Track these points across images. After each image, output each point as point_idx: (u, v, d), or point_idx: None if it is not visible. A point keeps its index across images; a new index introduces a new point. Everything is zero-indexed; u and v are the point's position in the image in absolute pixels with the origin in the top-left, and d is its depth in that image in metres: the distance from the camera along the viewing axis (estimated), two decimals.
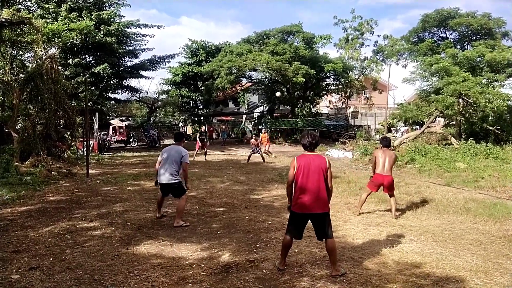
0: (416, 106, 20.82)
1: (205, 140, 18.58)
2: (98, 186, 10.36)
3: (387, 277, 4.33)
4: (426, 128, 19.44)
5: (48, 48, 14.69)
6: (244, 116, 37.26)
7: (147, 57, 35.63)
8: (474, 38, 23.58)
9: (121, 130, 26.66)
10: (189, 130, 34.31)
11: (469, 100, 16.67)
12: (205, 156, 17.61)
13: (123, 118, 31.72)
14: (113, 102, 30.38)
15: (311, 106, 33.50)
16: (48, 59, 13.23)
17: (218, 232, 6.09)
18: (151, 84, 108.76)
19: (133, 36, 24.57)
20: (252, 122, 35.78)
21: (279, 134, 30.87)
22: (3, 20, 12.18)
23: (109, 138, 23.76)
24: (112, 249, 5.18)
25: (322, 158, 4.50)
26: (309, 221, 4.45)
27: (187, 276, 4.31)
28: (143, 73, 27.29)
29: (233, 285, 4.10)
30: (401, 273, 4.44)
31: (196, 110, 36.12)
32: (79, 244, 5.37)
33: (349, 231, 6.20)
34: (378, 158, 7.16)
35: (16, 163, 11.59)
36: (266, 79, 30.96)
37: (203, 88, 32.28)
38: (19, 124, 14.10)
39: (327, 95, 35.25)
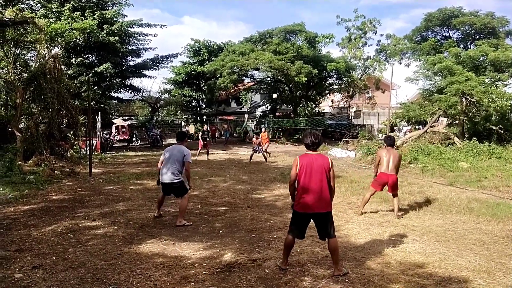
0: (419, 105, 20.75)
1: (208, 139, 18.57)
2: (101, 185, 10.39)
3: (390, 277, 4.33)
4: (429, 128, 19.38)
5: (51, 48, 14.73)
6: (246, 116, 37.25)
7: (150, 56, 35.68)
8: (477, 37, 23.52)
9: (124, 129, 26.70)
10: (191, 129, 34.33)
11: (472, 100, 16.61)
12: (207, 156, 17.63)
13: (126, 118, 31.73)
14: (116, 101, 30.45)
15: (314, 106, 33.45)
16: (51, 59, 13.27)
17: (221, 232, 6.09)
18: (154, 83, 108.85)
19: (135, 35, 24.58)
20: (255, 122, 35.76)
21: (281, 134, 30.86)
22: (6, 19, 12.22)
23: (111, 137, 23.81)
24: (114, 248, 5.19)
25: (325, 157, 4.49)
26: (312, 220, 4.45)
27: (189, 275, 4.32)
28: (146, 72, 27.30)
29: (235, 284, 4.11)
30: (404, 273, 4.44)
31: (198, 109, 36.14)
32: (82, 243, 5.39)
33: (352, 230, 6.19)
34: (383, 157, 7.13)
35: (19, 162, 11.63)
36: (269, 79, 30.92)
37: (205, 87, 32.30)
38: (22, 123, 14.14)
39: (330, 95, 35.18)
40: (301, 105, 31.55)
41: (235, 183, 10.99)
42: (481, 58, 19.68)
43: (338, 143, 24.27)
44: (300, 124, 29.09)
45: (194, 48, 32.32)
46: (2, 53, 13.47)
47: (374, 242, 5.60)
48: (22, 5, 18.43)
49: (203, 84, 33.12)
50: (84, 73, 21.58)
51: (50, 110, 13.04)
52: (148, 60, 26.91)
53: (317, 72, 26.08)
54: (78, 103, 19.56)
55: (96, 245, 5.31)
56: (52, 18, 20.64)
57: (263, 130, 17.73)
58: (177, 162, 6.43)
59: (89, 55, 23.70)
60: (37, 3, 21.33)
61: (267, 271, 4.46)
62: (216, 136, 32.81)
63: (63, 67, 17.57)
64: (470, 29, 23.47)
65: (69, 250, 5.11)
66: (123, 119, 29.16)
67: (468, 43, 24.41)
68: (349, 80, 29.70)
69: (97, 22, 21.11)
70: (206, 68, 29.04)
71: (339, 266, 4.37)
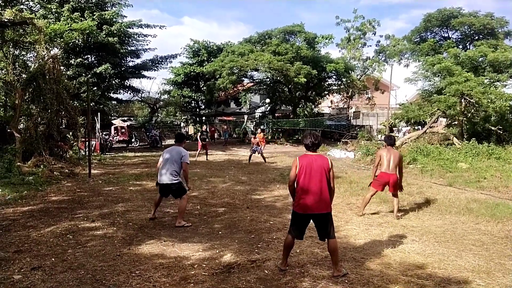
0: (418, 106, 20.77)
1: (207, 139, 18.53)
2: (100, 186, 10.38)
3: (389, 277, 4.33)
4: (428, 128, 19.39)
5: (50, 48, 14.74)
6: (245, 116, 37.28)
7: (149, 57, 35.62)
8: (476, 38, 23.57)
9: (123, 130, 26.68)
10: (190, 130, 34.33)
11: (471, 100, 16.62)
12: (207, 156, 17.61)
13: (125, 118, 31.70)
14: (115, 102, 30.45)
15: (313, 106, 33.44)
16: (50, 59, 13.27)
17: (220, 232, 6.09)
18: (153, 84, 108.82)
19: (135, 36, 24.57)
20: (254, 122, 35.77)
21: (280, 134, 30.88)
22: (6, 20, 12.22)
23: (111, 138, 23.77)
24: (114, 249, 5.19)
25: (325, 158, 4.49)
26: (311, 221, 4.45)
27: (188, 276, 4.31)
28: (145, 73, 27.33)
29: (234, 285, 4.10)
30: (403, 274, 4.44)
31: (198, 110, 36.15)
32: (81, 244, 5.38)
33: (351, 231, 6.19)
34: (383, 157, 7.12)
35: (18, 163, 11.63)
36: (268, 79, 30.94)
37: (205, 88, 32.30)
38: (21, 124, 14.13)
39: (329, 95, 35.22)
40: (300, 106, 31.55)
41: (234, 184, 10.98)
42: (480, 59, 19.71)
43: (337, 143, 24.29)
44: (300, 125, 29.10)
45: (193, 49, 32.34)
46: (1, 53, 13.46)
47: (374, 243, 5.60)
48: (21, 6, 18.44)
49: (203, 84, 33.14)
50: (83, 74, 21.57)
51: (49, 111, 13.04)
52: (148, 61, 26.92)
53: (317, 72, 26.10)
54: (77, 104, 19.56)
55: (95, 246, 5.30)
56: (51, 18, 20.64)
57: (258, 131, 17.65)
58: (175, 163, 6.45)
59: (88, 56, 23.70)
60: (36, 3, 21.34)
61: (266, 272, 4.46)
62: (216, 136, 32.80)
63: (62, 68, 17.56)
64: (469, 29, 23.52)
65: (68, 251, 5.11)
66: (122, 120, 29.14)
67: (467, 44, 24.45)
68: (348, 81, 29.73)
69: (96, 22, 21.12)
70: (205, 68, 29.05)
71: (338, 267, 4.37)
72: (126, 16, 24.27)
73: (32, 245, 5.33)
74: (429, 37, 25.41)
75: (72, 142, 16.03)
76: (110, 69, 21.77)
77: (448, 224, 6.71)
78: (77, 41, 20.84)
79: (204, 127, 21.02)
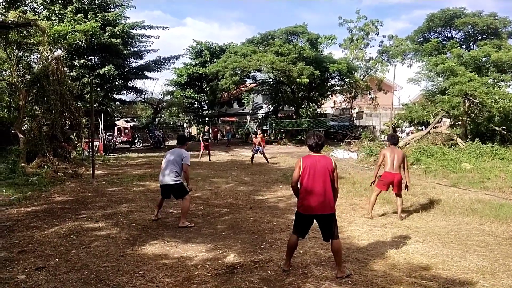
0: (421, 106, 20.70)
1: (209, 140, 18.51)
2: (103, 186, 10.41)
3: (393, 278, 4.31)
4: (431, 129, 19.33)
5: (54, 50, 14.82)
6: (248, 117, 37.31)
7: (152, 58, 35.86)
8: (480, 38, 23.45)
9: (126, 131, 26.75)
10: (193, 131, 34.35)
11: (475, 101, 16.55)
12: (209, 157, 17.60)
13: (128, 119, 31.78)
14: (118, 103, 30.53)
15: (316, 107, 33.46)
16: (54, 61, 13.32)
17: (223, 233, 6.09)
18: (156, 85, 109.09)
19: (138, 37, 24.67)
20: (256, 123, 35.78)
21: (283, 135, 30.86)
22: (10, 22, 12.28)
23: (114, 139, 23.84)
24: (117, 250, 5.20)
25: (328, 159, 4.48)
26: (315, 221, 4.44)
27: (192, 276, 4.32)
28: (148, 74, 27.41)
29: (237, 286, 4.10)
30: (407, 275, 4.42)
31: (200, 111, 36.18)
32: (84, 245, 5.40)
33: (354, 232, 6.18)
34: (387, 156, 7.08)
35: (22, 164, 11.68)
36: (271, 80, 30.94)
37: (207, 89, 32.33)
38: (25, 125, 14.22)
39: (332, 96, 35.18)
40: (303, 106, 31.54)
41: (237, 184, 10.98)
42: (484, 59, 19.62)
43: (340, 144, 24.24)
44: (302, 126, 29.07)
45: (196, 50, 32.39)
46: (5, 55, 13.54)
47: (377, 244, 5.58)
48: (25, 8, 18.55)
49: (205, 85, 33.16)
50: (87, 75, 21.65)
51: (53, 112, 13.09)
52: (151, 62, 27.00)
53: (319, 73, 26.07)
54: (80, 105, 19.65)
55: (99, 247, 5.31)
56: (55, 20, 20.74)
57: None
58: (177, 164, 6.51)
59: (92, 57, 23.80)
60: (40, 5, 21.45)
61: (269, 272, 4.45)
62: (218, 137, 32.80)
63: (65, 69, 17.61)
64: (472, 29, 23.40)
65: (72, 251, 5.12)
66: (125, 121, 29.20)
67: (470, 44, 24.34)
68: (351, 81, 29.69)
69: (99, 24, 21.19)
70: (208, 69, 29.08)
71: (342, 268, 4.36)
72: (129, 18, 24.41)
73: (36, 245, 5.35)
74: (432, 37, 25.30)
75: (75, 142, 16.09)
76: (113, 70, 21.84)
77: (452, 225, 6.68)
78: (80, 42, 20.92)
79: (206, 127, 21.01)
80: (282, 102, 32.18)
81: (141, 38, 24.86)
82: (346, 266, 4.55)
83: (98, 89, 23.23)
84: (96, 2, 23.28)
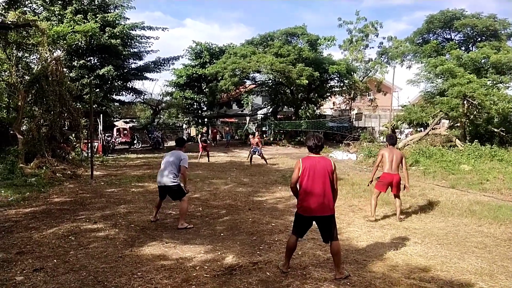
0: (420, 108, 20.74)
1: (208, 141, 18.49)
2: (102, 187, 10.40)
3: (392, 280, 4.31)
4: (430, 130, 19.35)
5: (53, 50, 14.82)
6: (247, 118, 37.33)
7: (152, 59, 35.61)
8: (479, 39, 23.51)
9: (125, 131, 26.75)
10: (192, 132, 34.34)
11: (474, 102, 16.58)
12: (208, 158, 17.60)
13: (127, 120, 31.78)
14: (118, 104, 30.52)
15: (315, 108, 33.46)
16: (53, 61, 13.31)
17: (222, 234, 6.09)
18: (155, 86, 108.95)
19: (137, 38, 24.67)
20: (256, 124, 35.79)
21: (282, 136, 30.86)
22: (9, 22, 12.27)
23: (113, 140, 23.84)
24: (115, 251, 5.19)
25: (328, 160, 4.48)
26: (315, 223, 4.44)
27: (190, 278, 4.31)
28: (148, 75, 27.45)
29: (236, 287, 4.10)
30: (406, 276, 4.42)
31: (200, 112, 36.18)
32: (83, 246, 5.39)
33: (353, 233, 6.18)
34: (385, 157, 7.05)
35: (21, 165, 11.67)
36: (270, 81, 30.97)
37: (207, 90, 32.34)
38: (24, 126, 14.18)
39: (331, 97, 35.19)
40: (302, 108, 31.54)
41: (236, 185, 10.98)
42: (483, 61, 19.66)
43: (339, 145, 24.27)
44: (302, 127, 29.10)
45: (195, 51, 32.39)
46: (4, 55, 13.52)
47: (376, 245, 5.58)
48: (25, 8, 18.54)
49: (205, 86, 33.16)
50: (86, 76, 21.65)
51: (52, 112, 13.07)
52: (150, 63, 27.02)
53: (319, 74, 26.10)
54: (80, 105, 19.63)
55: (97, 248, 5.31)
56: (54, 21, 20.72)
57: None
58: (174, 166, 6.53)
59: (91, 58, 23.80)
60: (40, 6, 21.44)
61: (268, 274, 4.45)
62: (218, 138, 32.79)
63: (65, 69, 17.62)
64: (472, 31, 23.46)
65: (70, 252, 5.11)
66: (124, 122, 29.20)
67: (469, 46, 24.39)
68: (351, 83, 29.72)
69: (99, 25, 21.19)
70: (207, 70, 29.08)
71: (340, 269, 4.36)
72: (129, 18, 24.46)
73: (34, 246, 5.35)
74: (431, 38, 25.34)
75: (74, 143, 16.07)
76: (112, 71, 21.84)
77: (451, 226, 6.69)
78: (80, 43, 20.91)
79: (205, 128, 21.03)
80: (281, 103, 32.19)
81: (141, 39, 24.87)
82: (344, 267, 4.55)
83: (97, 89, 23.21)
84: (96, 3, 23.29)
